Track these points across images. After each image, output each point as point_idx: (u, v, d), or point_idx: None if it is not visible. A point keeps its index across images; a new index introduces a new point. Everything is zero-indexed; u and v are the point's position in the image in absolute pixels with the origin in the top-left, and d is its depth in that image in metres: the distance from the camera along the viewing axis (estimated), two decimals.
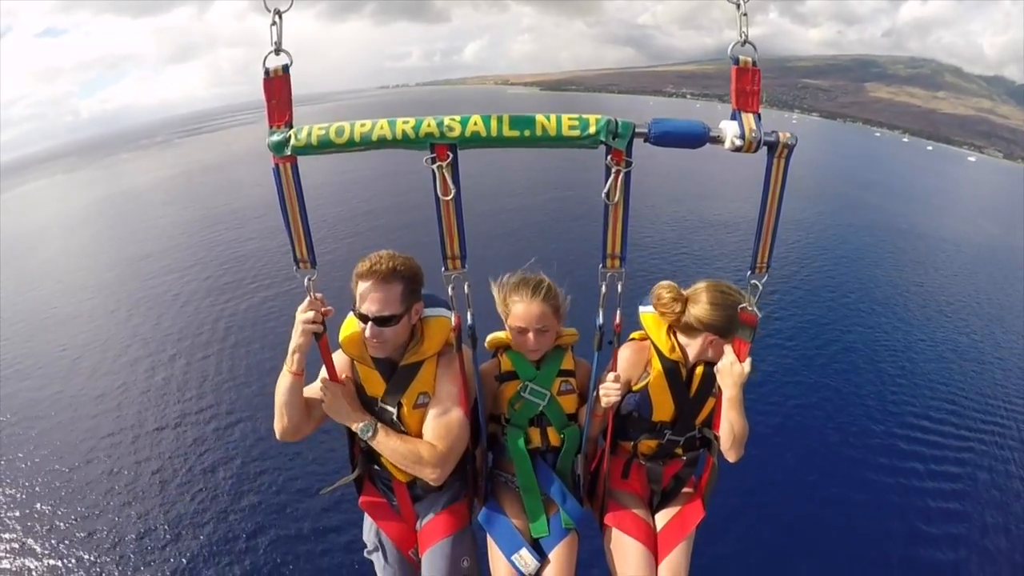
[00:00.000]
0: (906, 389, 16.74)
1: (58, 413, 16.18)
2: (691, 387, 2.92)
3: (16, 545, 11.48)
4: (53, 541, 11.52)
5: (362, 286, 2.59)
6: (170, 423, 15.21)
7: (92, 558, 11.07)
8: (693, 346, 2.84)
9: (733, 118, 2.12)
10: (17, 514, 12.26)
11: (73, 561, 11.02)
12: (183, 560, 10.83)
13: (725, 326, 2.70)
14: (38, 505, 12.46)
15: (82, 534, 11.61)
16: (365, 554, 3.25)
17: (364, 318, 2.61)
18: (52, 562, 11.07)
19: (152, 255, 31.27)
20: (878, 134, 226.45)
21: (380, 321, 2.60)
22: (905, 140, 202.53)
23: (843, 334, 20.09)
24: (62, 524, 11.90)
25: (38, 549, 11.36)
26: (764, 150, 2.13)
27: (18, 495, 12.86)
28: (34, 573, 10.87)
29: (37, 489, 13.01)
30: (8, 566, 11.07)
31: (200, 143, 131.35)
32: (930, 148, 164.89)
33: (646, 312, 2.94)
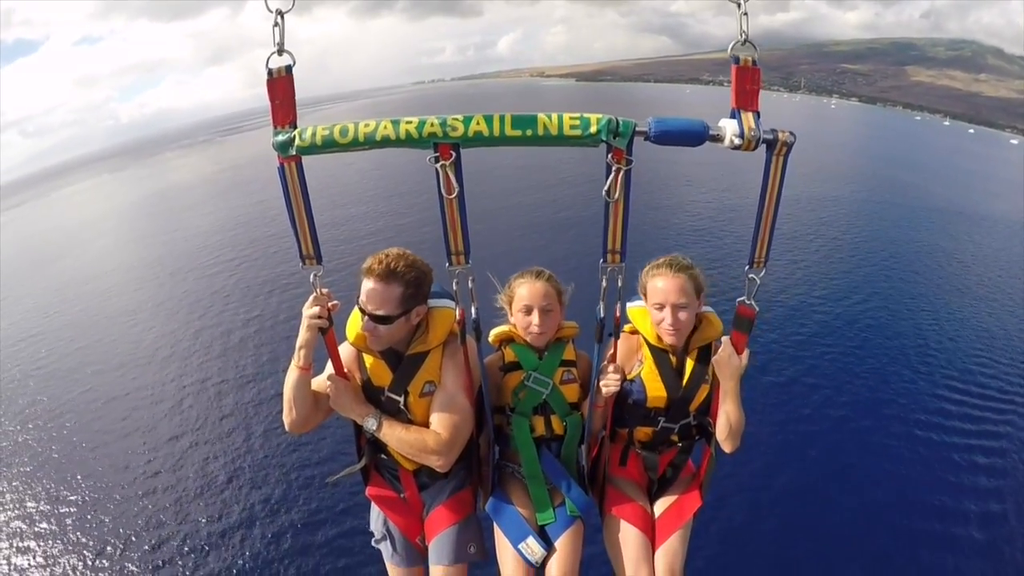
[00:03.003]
0: (943, 361, 16.83)
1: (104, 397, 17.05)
2: (683, 374, 2.99)
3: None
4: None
5: (365, 282, 2.64)
6: (199, 409, 15.87)
7: (115, 534, 11.71)
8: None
9: (733, 116, 2.13)
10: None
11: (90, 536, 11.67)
12: (186, 548, 11.17)
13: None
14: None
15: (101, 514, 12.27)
16: (373, 543, 3.31)
17: (363, 312, 2.67)
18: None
19: (208, 247, 32.27)
20: (919, 118, 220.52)
21: (376, 319, 2.65)
22: (946, 124, 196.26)
23: (882, 305, 20.42)
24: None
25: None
26: (763, 147, 2.15)
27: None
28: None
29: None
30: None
31: (242, 140, 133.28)
32: (972, 131, 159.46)
33: (633, 306, 3.04)
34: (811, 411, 14.25)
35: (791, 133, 2.15)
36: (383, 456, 3.11)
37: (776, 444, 12.91)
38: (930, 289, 22.53)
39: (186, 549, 11.22)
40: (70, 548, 11.56)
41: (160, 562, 11.04)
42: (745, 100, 2.13)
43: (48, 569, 11.18)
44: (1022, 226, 33.96)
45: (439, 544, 3.02)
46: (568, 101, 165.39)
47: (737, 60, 2.11)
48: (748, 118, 2.11)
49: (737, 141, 2.09)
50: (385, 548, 3.24)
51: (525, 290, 2.96)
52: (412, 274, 2.66)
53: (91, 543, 11.60)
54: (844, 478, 12.27)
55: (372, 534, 3.31)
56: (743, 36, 2.09)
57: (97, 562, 11.18)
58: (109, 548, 11.46)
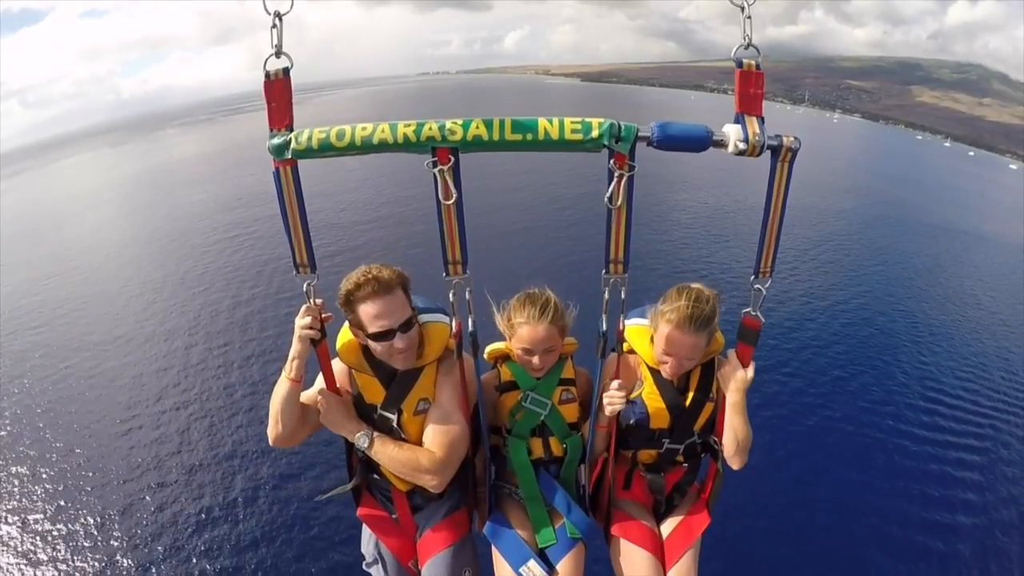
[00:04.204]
0: (935, 372, 17.16)
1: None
2: (686, 394, 2.86)
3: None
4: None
5: (366, 305, 2.51)
6: (190, 386, 15.83)
7: (68, 553, 11.07)
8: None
9: (737, 121, 2.09)
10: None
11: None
12: (173, 565, 10.75)
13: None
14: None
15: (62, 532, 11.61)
16: (364, 567, 3.18)
17: (386, 335, 2.55)
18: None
19: (207, 225, 32.28)
20: (920, 137, 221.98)
21: (405, 327, 2.56)
22: (947, 145, 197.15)
23: (877, 319, 20.63)
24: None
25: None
26: (767, 154, 2.11)
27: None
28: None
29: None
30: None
31: (244, 121, 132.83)
32: (972, 154, 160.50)
33: (632, 325, 2.86)
34: (802, 416, 14.44)
35: (796, 138, 2.10)
36: (375, 476, 3.01)
37: (765, 446, 12.91)
38: (922, 302, 22.85)
39: (173, 527, 11.21)
40: (52, 519, 11.54)
41: (144, 540, 11.03)
42: (749, 104, 2.09)
43: (29, 539, 11.14)
44: (1015, 247, 34.28)
45: (433, 568, 2.90)
46: (572, 101, 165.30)
47: (740, 64, 2.07)
48: (752, 123, 2.07)
49: (741, 146, 2.05)
50: (377, 572, 3.12)
51: (526, 332, 2.76)
52: (398, 276, 2.57)
53: (73, 514, 11.60)
54: (833, 486, 12.42)
55: (363, 557, 3.19)
56: (747, 40, 2.05)
57: (77, 531, 11.21)
58: (89, 519, 11.45)
